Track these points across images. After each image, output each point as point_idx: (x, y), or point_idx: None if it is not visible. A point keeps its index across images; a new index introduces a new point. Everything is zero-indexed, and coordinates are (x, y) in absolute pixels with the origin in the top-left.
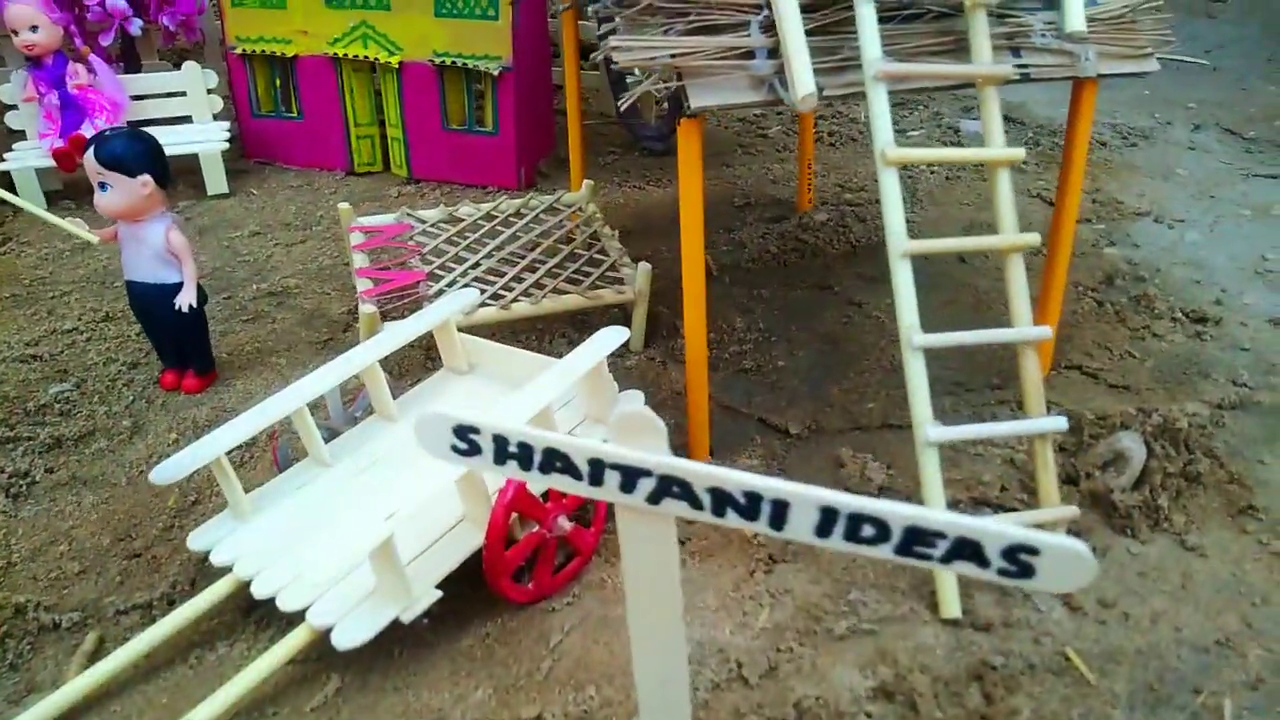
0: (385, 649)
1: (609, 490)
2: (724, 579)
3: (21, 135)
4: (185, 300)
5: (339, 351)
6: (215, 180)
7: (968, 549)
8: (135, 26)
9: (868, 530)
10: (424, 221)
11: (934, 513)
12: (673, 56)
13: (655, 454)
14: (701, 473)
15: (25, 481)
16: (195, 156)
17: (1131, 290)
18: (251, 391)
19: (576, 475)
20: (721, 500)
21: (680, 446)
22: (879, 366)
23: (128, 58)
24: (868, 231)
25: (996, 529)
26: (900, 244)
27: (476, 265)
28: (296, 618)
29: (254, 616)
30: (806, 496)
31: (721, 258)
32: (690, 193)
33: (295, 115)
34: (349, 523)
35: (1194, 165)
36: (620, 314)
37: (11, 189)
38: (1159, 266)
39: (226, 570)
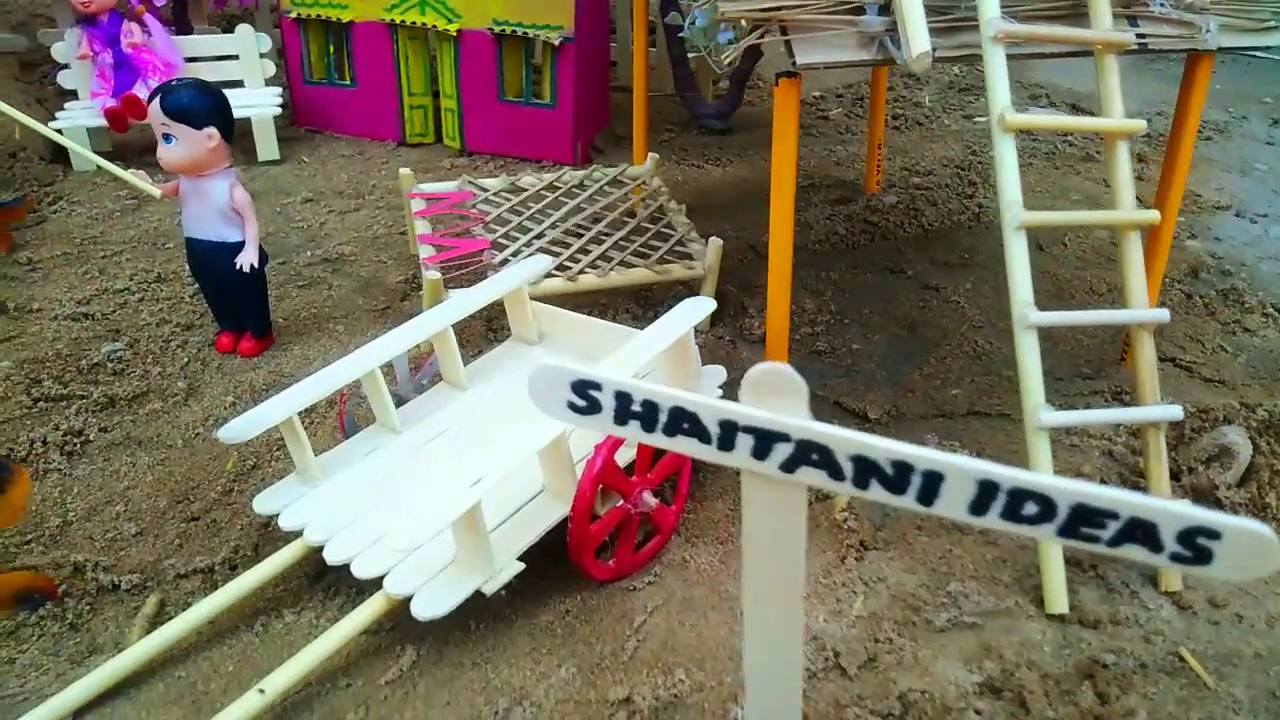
0: (461, 622)
1: (739, 455)
2: (813, 564)
3: (73, 95)
4: (247, 260)
5: (397, 320)
6: (266, 146)
7: (1141, 531)
8: None
9: (1030, 508)
10: (485, 190)
11: (1106, 490)
12: (778, 9)
13: (795, 417)
14: (847, 439)
15: (79, 440)
16: (247, 121)
17: (1218, 284)
18: (309, 357)
19: (704, 438)
20: (866, 470)
21: None
22: (961, 352)
23: (179, 20)
24: (940, 215)
25: (1176, 509)
26: (1017, 215)
27: (541, 236)
28: (368, 586)
29: (322, 583)
30: (964, 468)
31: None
32: (783, 160)
33: (348, 83)
34: (422, 490)
35: (1274, 161)
36: (686, 291)
37: (62, 149)
38: (1244, 261)
39: (294, 535)
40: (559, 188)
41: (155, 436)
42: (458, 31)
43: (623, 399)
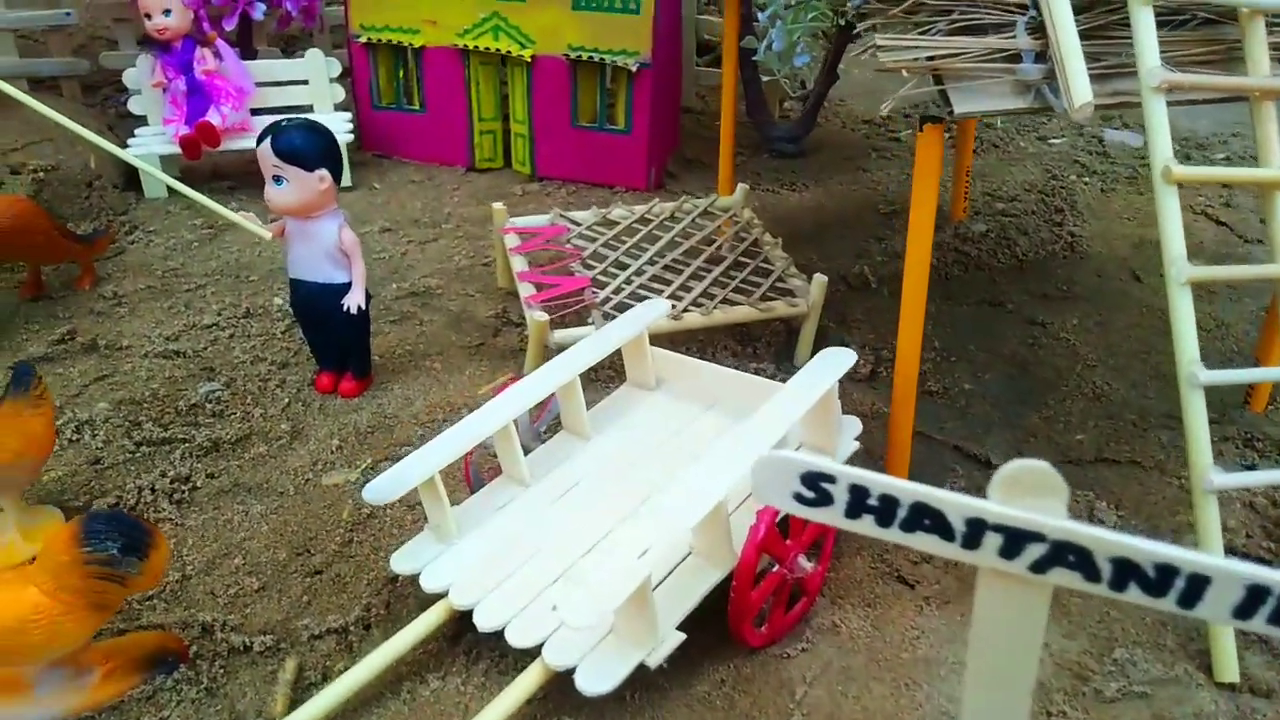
0: (617, 691)
1: (984, 554)
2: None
3: (143, 120)
4: (354, 301)
5: (491, 357)
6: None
7: None
8: (258, 11)
9: None
10: (578, 224)
11: None
12: (931, 59)
13: (1053, 517)
14: (1109, 541)
15: (187, 487)
16: None
17: None
18: (410, 396)
19: (947, 535)
20: (1125, 572)
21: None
22: (1080, 394)
23: (243, 43)
24: (1033, 245)
25: None
26: (1183, 270)
27: (640, 273)
28: (511, 649)
29: (461, 645)
30: (1233, 573)
31: (877, 268)
32: (923, 207)
33: (417, 108)
34: (561, 548)
35: None
36: (783, 325)
37: (135, 176)
38: None
39: (434, 596)
40: (651, 220)
41: (264, 482)
42: (532, 57)
43: (858, 492)
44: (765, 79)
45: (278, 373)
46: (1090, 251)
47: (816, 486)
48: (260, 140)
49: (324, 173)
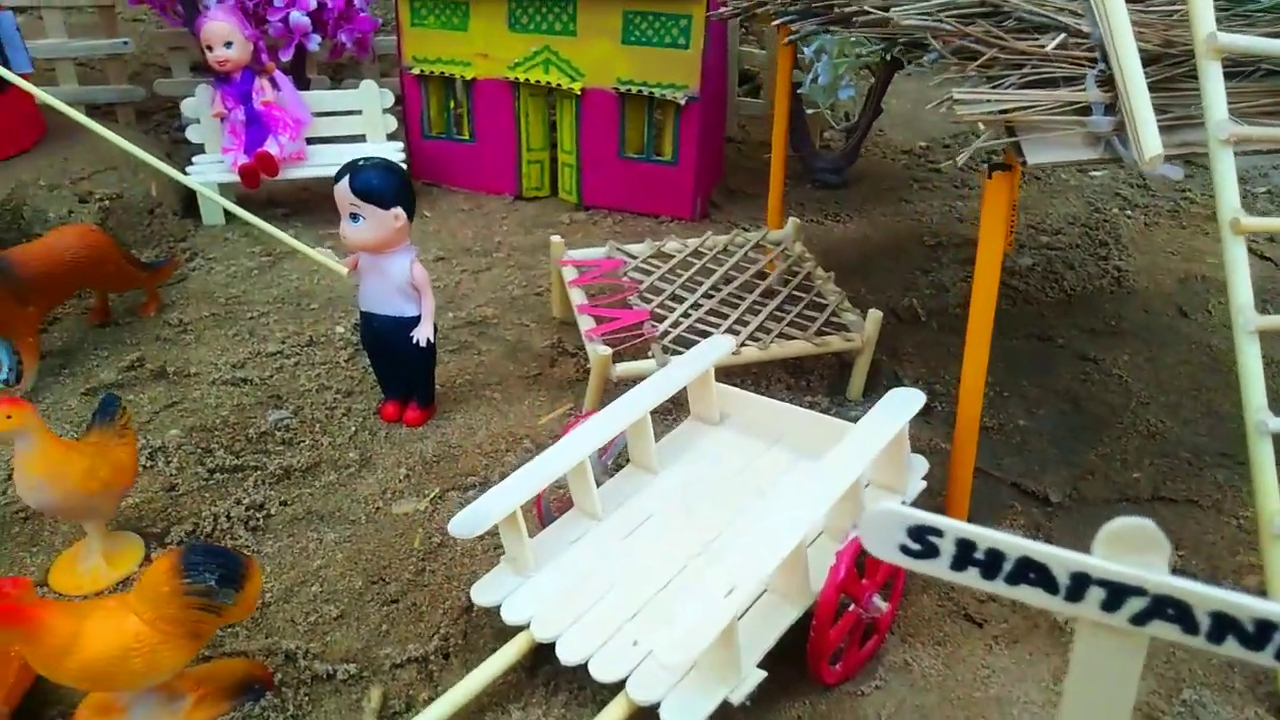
0: None
1: (1086, 607)
2: (1040, 669)
3: (200, 148)
4: (424, 335)
5: (549, 387)
6: None
7: None
8: (314, 43)
9: None
10: (634, 257)
11: None
12: (1003, 112)
13: (1155, 573)
14: (1210, 596)
15: (261, 514)
16: None
17: None
18: (472, 426)
19: (1051, 589)
20: (1224, 626)
21: (930, 510)
22: (1135, 431)
23: (296, 72)
24: (1080, 280)
25: None
26: (1251, 320)
27: (697, 306)
28: (588, 679)
29: (540, 677)
30: None
31: (926, 301)
32: (990, 254)
33: (467, 138)
34: (640, 582)
35: None
36: (835, 358)
37: (193, 202)
38: None
39: (513, 627)
40: (704, 253)
41: (336, 510)
42: (581, 90)
43: (964, 546)
44: (809, 111)
45: (343, 401)
46: (1136, 287)
47: (923, 539)
48: (338, 179)
49: (399, 211)
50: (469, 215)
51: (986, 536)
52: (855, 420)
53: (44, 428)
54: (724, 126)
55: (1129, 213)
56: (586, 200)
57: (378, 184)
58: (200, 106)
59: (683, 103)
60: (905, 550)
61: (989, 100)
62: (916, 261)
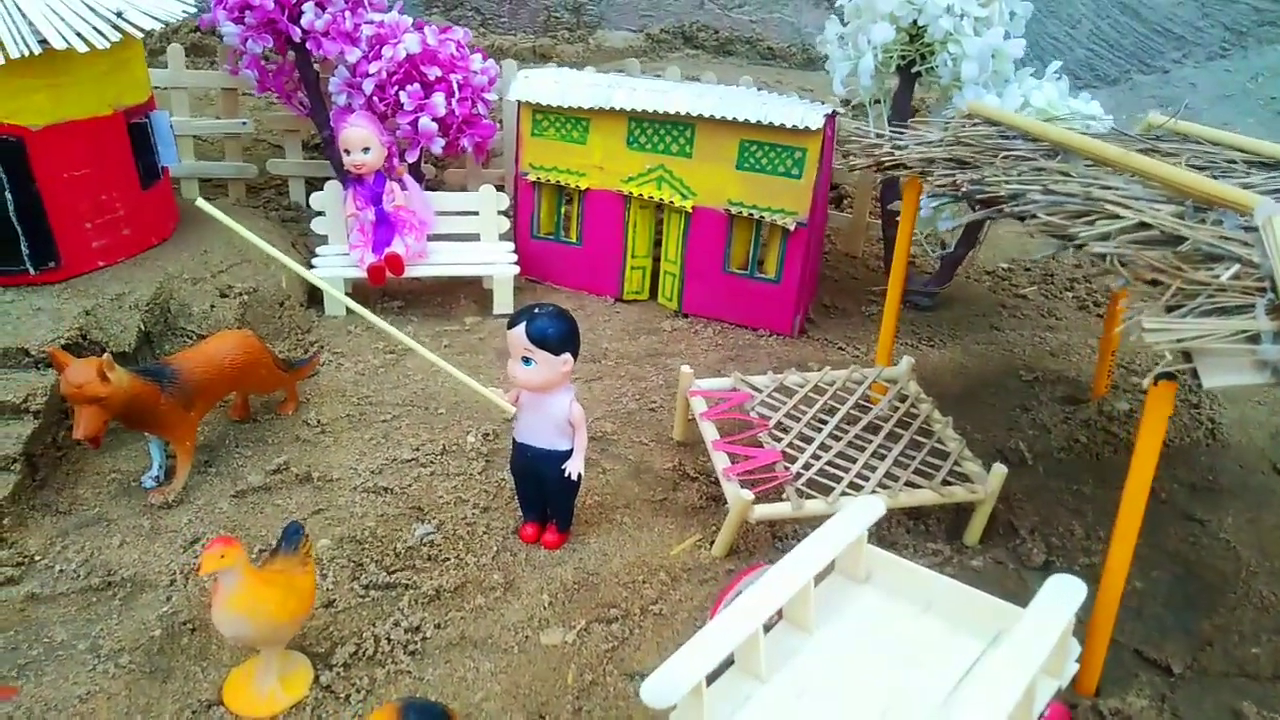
0: None
1: None
2: None
3: (324, 240)
4: (575, 468)
5: (675, 513)
6: (503, 301)
7: None
8: (437, 146)
9: None
10: (758, 390)
11: None
12: (1188, 340)
13: None
14: None
15: (419, 638)
16: (487, 277)
17: None
18: (606, 552)
19: None
20: None
21: None
22: (1249, 603)
23: (413, 169)
24: (1176, 430)
25: None
26: None
27: (825, 448)
28: None
29: None
30: None
31: (1031, 442)
32: (1143, 468)
33: (574, 241)
34: None
35: None
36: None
37: (317, 294)
38: None
39: None
40: (824, 389)
41: (488, 637)
42: (692, 207)
43: None
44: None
45: (481, 517)
46: (1230, 440)
47: None
48: (512, 324)
49: (568, 356)
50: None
51: None
52: (975, 570)
53: (249, 564)
54: (822, 245)
55: None
56: (686, 308)
57: (552, 333)
58: (328, 201)
59: (791, 228)
60: None
61: (1172, 329)
62: (1015, 397)
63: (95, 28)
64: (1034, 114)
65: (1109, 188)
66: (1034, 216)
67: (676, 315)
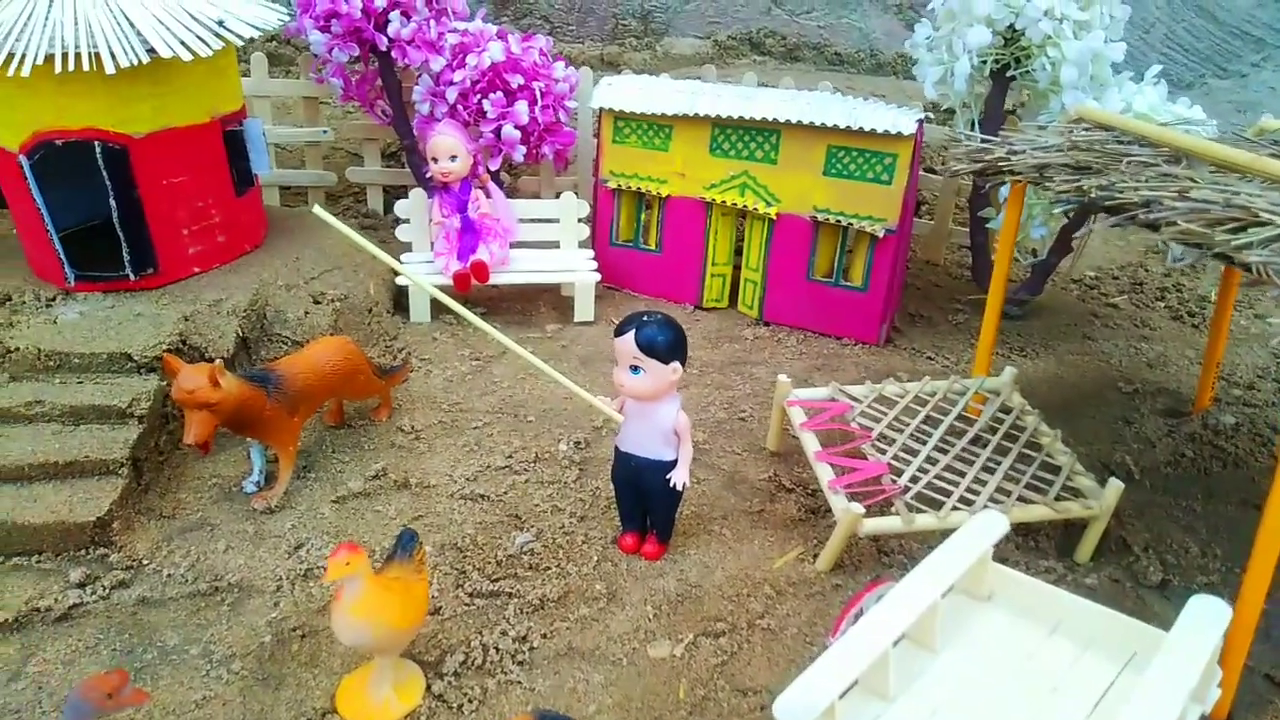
0: None
1: None
2: None
3: (407, 247)
4: (680, 478)
5: (773, 525)
6: (584, 308)
7: None
8: (519, 154)
9: None
10: (858, 400)
11: None
12: None
13: None
14: None
15: (526, 647)
16: (568, 284)
17: None
18: (708, 564)
19: None
20: None
21: None
22: None
23: (494, 176)
24: None
25: None
26: None
27: (931, 460)
28: None
29: None
30: None
31: (1136, 456)
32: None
33: (653, 248)
34: None
35: None
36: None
37: (402, 300)
38: None
39: None
40: (925, 399)
41: (595, 649)
42: (776, 214)
43: None
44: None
45: (579, 526)
46: None
47: None
48: (620, 332)
49: (677, 365)
50: None
51: None
52: (1090, 588)
53: (371, 571)
54: (908, 254)
55: None
56: (767, 315)
57: (662, 341)
58: (412, 208)
59: (880, 235)
60: None
61: None
62: (1116, 409)
63: (199, 36)
64: (1135, 119)
65: (1249, 194)
66: (1170, 224)
67: (757, 323)
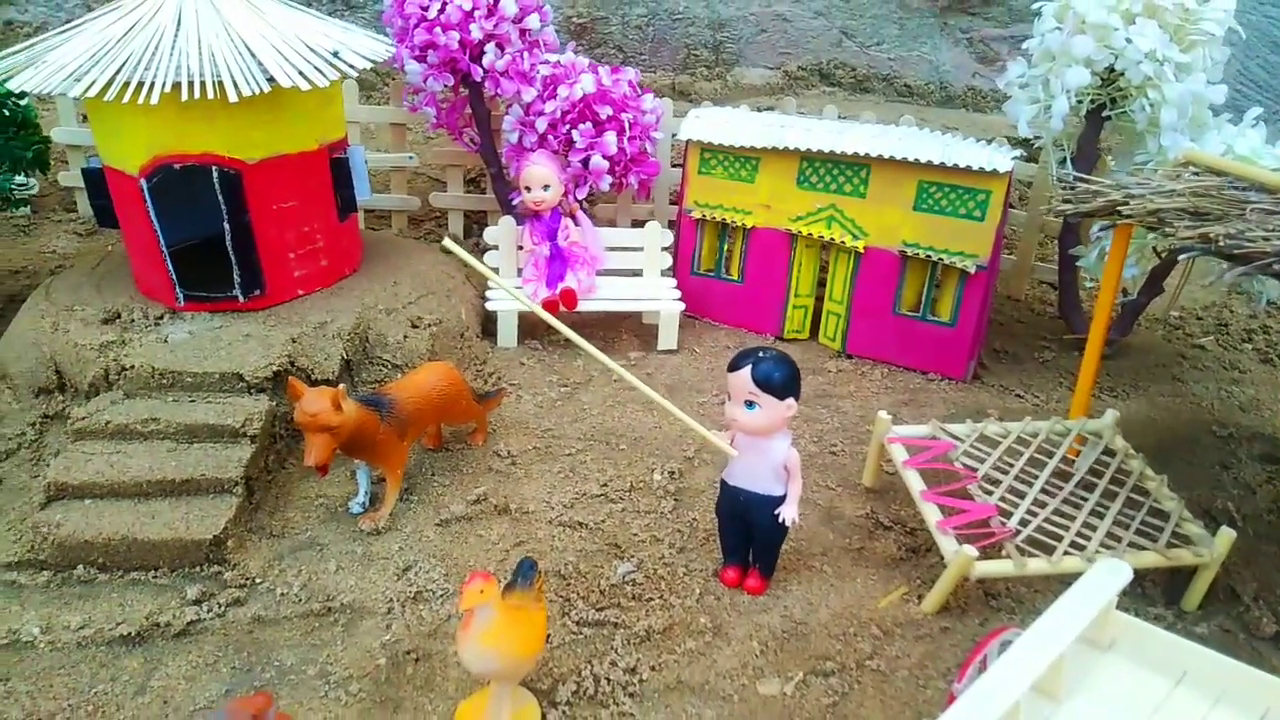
0: None
1: None
2: None
3: (495, 272)
4: (789, 515)
5: (874, 564)
6: (667, 337)
7: None
8: (605, 183)
9: None
10: (959, 439)
11: None
12: None
13: None
14: None
15: (635, 679)
16: (653, 314)
17: None
18: (811, 601)
19: None
20: None
21: None
22: None
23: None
24: None
25: None
26: None
27: (1040, 503)
28: None
29: None
30: None
31: (1238, 503)
32: None
33: (735, 278)
34: None
35: None
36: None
37: (490, 325)
38: None
39: None
40: (1027, 440)
41: (705, 684)
42: (863, 248)
43: None
44: (1091, 284)
45: (679, 557)
46: None
47: None
48: (736, 367)
49: (791, 401)
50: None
51: None
52: (1201, 638)
53: (501, 600)
54: (994, 290)
55: None
56: (850, 348)
57: (778, 378)
58: (501, 235)
59: (971, 270)
60: None
61: None
62: (1213, 454)
63: (316, 67)
64: (1236, 161)
65: None
66: None
67: (840, 355)
